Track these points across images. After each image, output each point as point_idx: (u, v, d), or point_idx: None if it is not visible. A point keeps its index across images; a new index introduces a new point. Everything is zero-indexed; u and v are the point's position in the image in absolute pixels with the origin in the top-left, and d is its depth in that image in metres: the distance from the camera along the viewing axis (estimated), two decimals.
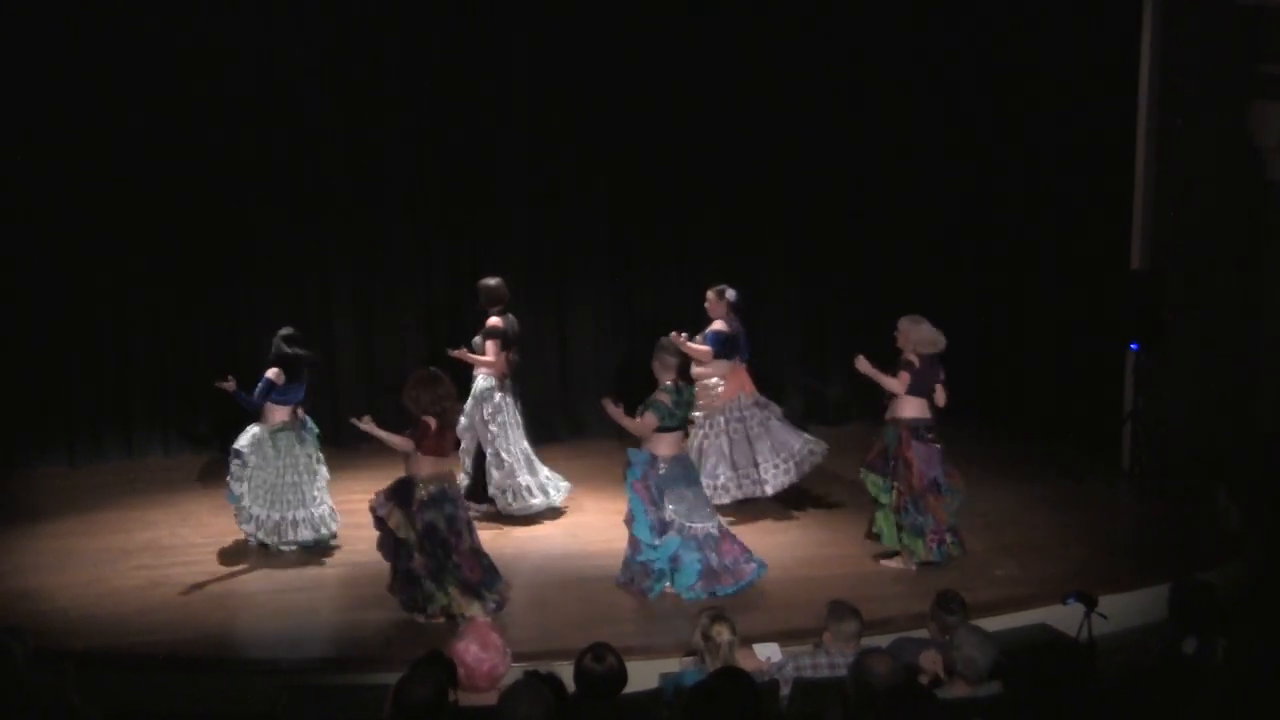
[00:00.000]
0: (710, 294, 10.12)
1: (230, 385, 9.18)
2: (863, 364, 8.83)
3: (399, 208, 11.90)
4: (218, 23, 11.20)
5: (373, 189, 11.83)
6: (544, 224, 12.24)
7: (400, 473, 8.28)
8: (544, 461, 10.30)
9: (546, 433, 11.77)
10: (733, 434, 10.00)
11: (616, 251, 12.42)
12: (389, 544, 8.22)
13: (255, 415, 9.43)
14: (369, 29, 11.63)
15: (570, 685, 5.59)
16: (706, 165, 12.30)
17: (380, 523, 8.18)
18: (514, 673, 5.65)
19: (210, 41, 11.15)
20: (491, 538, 9.27)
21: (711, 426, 10.06)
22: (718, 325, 10.00)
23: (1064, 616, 7.40)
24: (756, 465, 9.97)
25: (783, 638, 7.40)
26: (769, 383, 10.75)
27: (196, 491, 10.56)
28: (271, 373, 9.28)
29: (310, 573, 9.12)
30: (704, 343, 9.96)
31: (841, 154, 12.51)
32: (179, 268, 11.45)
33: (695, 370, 9.65)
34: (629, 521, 8.65)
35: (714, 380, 10.02)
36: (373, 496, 8.27)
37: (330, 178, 11.70)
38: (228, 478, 9.39)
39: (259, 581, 9.00)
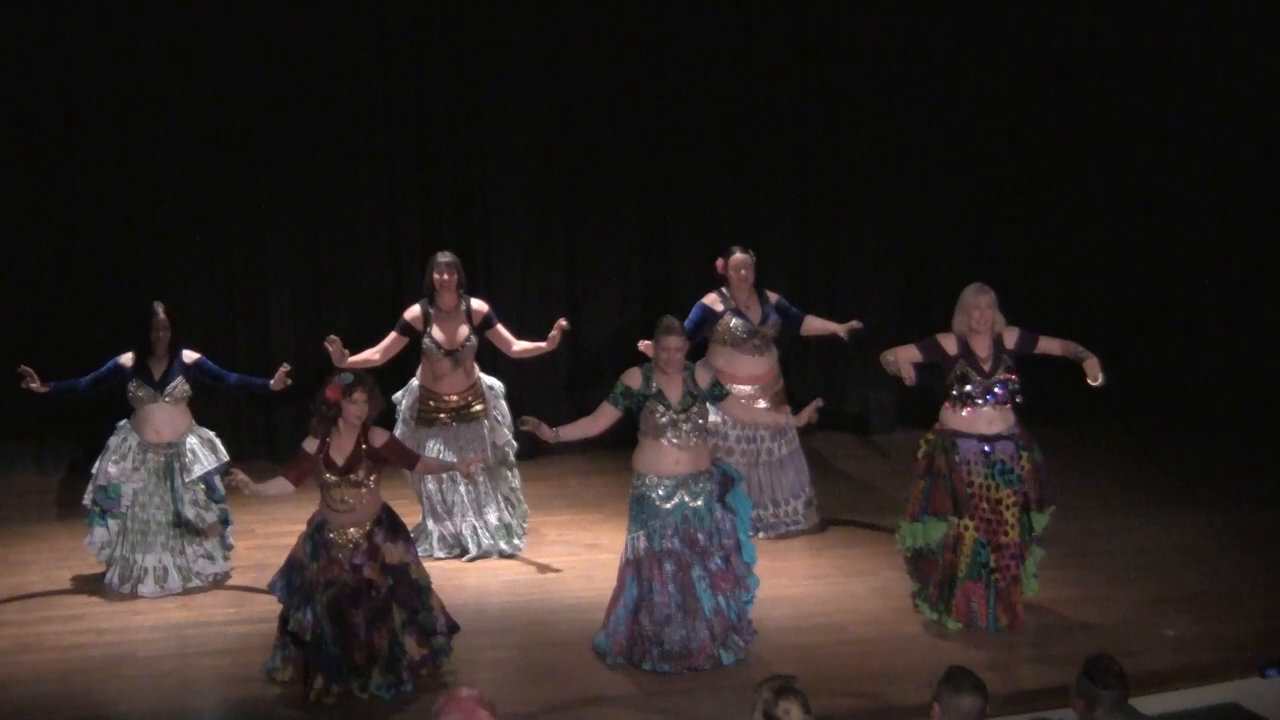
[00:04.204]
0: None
1: (34, 382, 9.51)
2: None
3: (368, 166, 12.27)
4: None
5: (331, 144, 12.13)
6: (553, 180, 12.46)
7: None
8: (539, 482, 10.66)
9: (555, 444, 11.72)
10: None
11: (643, 216, 12.63)
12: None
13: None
14: None
15: None
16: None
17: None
18: None
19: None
20: (485, 584, 9.54)
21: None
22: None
23: (1262, 693, 7.50)
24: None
25: (872, 718, 7.40)
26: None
27: (79, 521, 10.33)
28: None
29: (231, 631, 9.10)
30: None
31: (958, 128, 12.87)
32: (66, 248, 11.80)
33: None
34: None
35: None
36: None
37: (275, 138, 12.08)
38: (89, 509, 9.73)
39: (162, 643, 8.96)
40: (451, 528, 10.20)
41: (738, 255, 10.46)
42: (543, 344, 10.26)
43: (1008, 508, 8.86)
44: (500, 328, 10.32)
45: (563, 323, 10.21)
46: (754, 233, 11.45)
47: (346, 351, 9.87)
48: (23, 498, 11.24)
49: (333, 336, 9.85)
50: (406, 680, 8.26)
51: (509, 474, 10.34)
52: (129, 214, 11.79)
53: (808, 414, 8.85)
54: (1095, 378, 8.93)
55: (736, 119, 12.47)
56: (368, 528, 8.32)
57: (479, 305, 10.28)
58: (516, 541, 10.31)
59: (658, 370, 8.58)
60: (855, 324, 10.52)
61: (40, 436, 11.67)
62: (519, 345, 10.36)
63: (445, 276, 10.10)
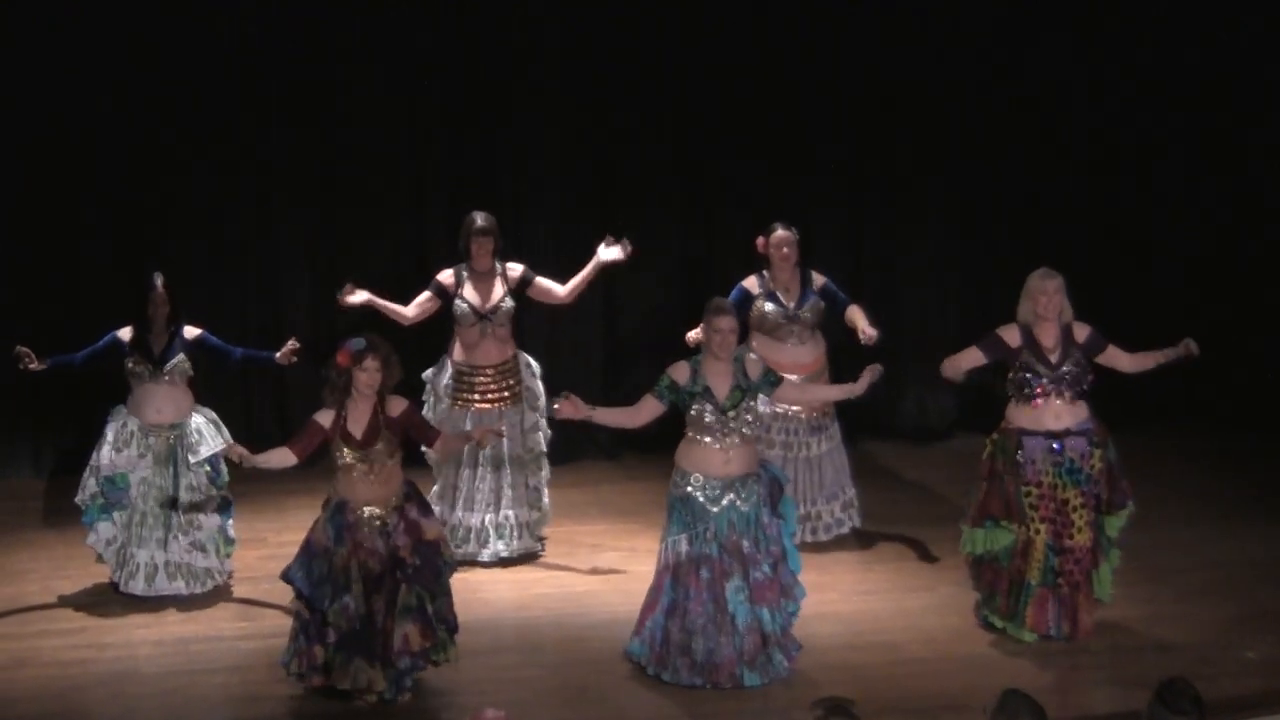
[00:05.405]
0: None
1: (33, 362, 9.51)
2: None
3: (391, 135, 12.28)
4: None
5: (349, 103, 12.14)
6: (588, 147, 12.49)
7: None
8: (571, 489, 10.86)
9: (587, 446, 11.92)
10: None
11: (685, 189, 12.65)
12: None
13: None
14: None
15: None
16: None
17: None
18: None
19: None
20: (514, 597, 9.55)
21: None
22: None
23: None
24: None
25: None
26: None
27: (78, 526, 10.25)
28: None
29: (242, 647, 9.08)
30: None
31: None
32: (65, 235, 11.83)
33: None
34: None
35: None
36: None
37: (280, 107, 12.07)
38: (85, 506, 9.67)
39: (168, 659, 8.93)
40: (473, 522, 10.14)
41: (779, 233, 10.35)
42: (588, 271, 10.18)
43: (1075, 509, 8.85)
44: (540, 280, 10.24)
45: (626, 245, 10.10)
46: (804, 211, 11.45)
47: (367, 294, 9.90)
48: (19, 501, 11.26)
49: (349, 285, 9.85)
50: (407, 672, 8.25)
51: (533, 467, 10.25)
52: (129, 175, 11.79)
53: (867, 379, 8.74)
54: (1192, 352, 8.99)
55: (791, 86, 12.41)
56: (392, 504, 8.26)
57: (514, 267, 10.21)
58: (530, 540, 10.26)
59: (709, 355, 8.52)
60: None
61: (38, 435, 11.72)
62: (567, 287, 10.27)
63: (480, 243, 10.05)
